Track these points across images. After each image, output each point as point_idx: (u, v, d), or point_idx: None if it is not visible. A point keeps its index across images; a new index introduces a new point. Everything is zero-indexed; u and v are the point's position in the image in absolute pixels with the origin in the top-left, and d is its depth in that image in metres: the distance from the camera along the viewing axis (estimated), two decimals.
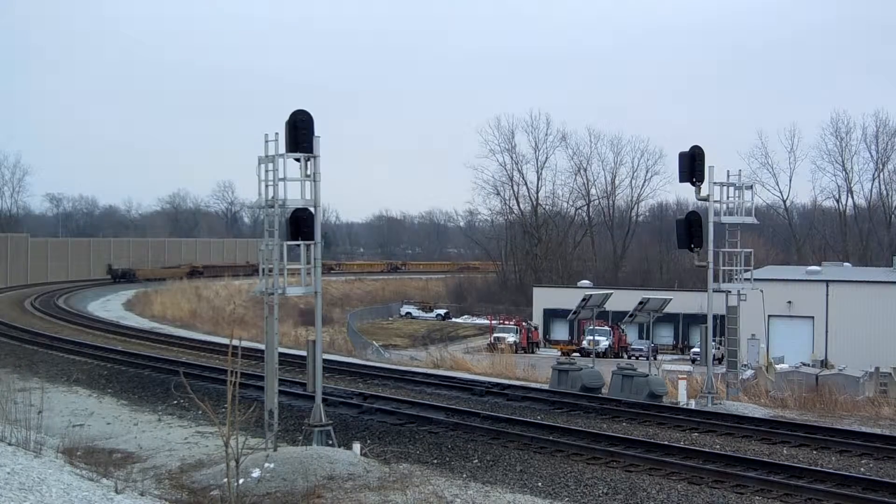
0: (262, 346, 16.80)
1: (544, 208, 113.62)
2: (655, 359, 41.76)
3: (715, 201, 23.13)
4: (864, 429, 20.23)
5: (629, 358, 59.73)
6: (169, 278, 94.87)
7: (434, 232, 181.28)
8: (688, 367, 40.20)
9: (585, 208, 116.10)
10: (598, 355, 40.13)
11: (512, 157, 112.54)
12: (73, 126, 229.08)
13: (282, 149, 15.39)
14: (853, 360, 42.36)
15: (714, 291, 23.86)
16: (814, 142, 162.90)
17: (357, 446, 15.64)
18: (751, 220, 24.21)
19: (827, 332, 57.01)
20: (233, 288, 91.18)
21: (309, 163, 15.74)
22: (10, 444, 13.43)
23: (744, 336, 39.47)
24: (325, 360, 18.72)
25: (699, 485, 14.44)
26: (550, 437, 17.77)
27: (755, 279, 26.74)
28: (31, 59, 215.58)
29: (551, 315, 76.62)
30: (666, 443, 17.57)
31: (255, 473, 13.89)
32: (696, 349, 56.69)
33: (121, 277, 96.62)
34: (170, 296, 79.59)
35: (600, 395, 23.94)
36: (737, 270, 24.52)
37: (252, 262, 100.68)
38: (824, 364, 46.96)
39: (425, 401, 22.81)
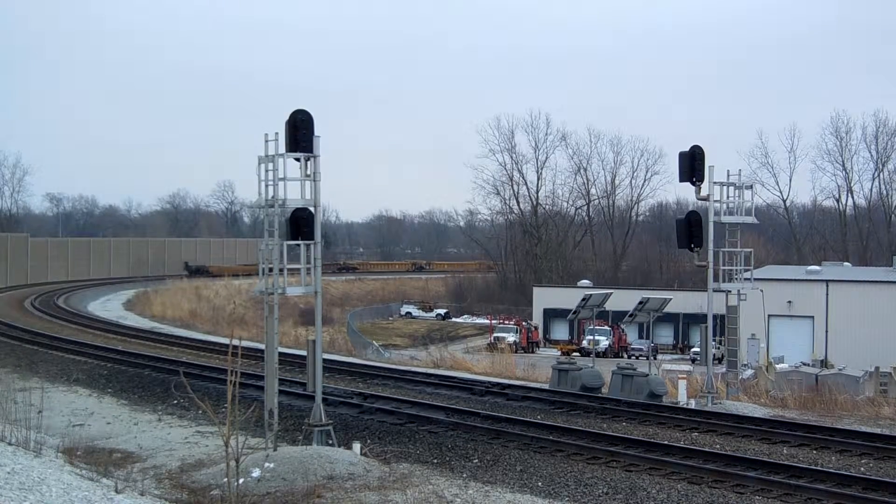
0: (262, 346, 16.80)
1: (544, 208, 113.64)
2: (655, 358, 41.75)
3: (715, 201, 23.10)
4: (863, 428, 20.23)
5: (629, 358, 59.71)
6: (243, 274, 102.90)
7: (434, 232, 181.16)
8: (688, 367, 40.15)
9: (585, 208, 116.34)
10: (598, 355, 40.11)
11: (512, 157, 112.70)
12: (73, 126, 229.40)
13: (282, 148, 15.36)
14: (853, 360, 42.35)
15: (714, 291, 23.84)
16: (814, 142, 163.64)
17: (357, 446, 15.64)
18: (751, 219, 24.18)
19: (827, 331, 57.00)
20: (233, 288, 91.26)
21: (309, 162, 15.72)
22: (10, 444, 13.42)
23: (744, 336, 39.53)
24: (325, 360, 18.71)
25: (699, 484, 14.43)
26: (550, 437, 17.76)
27: (755, 279, 26.74)
28: (31, 59, 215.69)
29: (551, 315, 76.65)
30: (666, 442, 17.56)
31: (255, 473, 13.89)
32: (696, 349, 56.68)
33: (195, 273, 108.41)
34: (169, 295, 79.71)
35: (600, 395, 23.93)
36: (737, 270, 24.51)
37: None
38: (824, 364, 46.92)
39: (425, 400, 22.80)
